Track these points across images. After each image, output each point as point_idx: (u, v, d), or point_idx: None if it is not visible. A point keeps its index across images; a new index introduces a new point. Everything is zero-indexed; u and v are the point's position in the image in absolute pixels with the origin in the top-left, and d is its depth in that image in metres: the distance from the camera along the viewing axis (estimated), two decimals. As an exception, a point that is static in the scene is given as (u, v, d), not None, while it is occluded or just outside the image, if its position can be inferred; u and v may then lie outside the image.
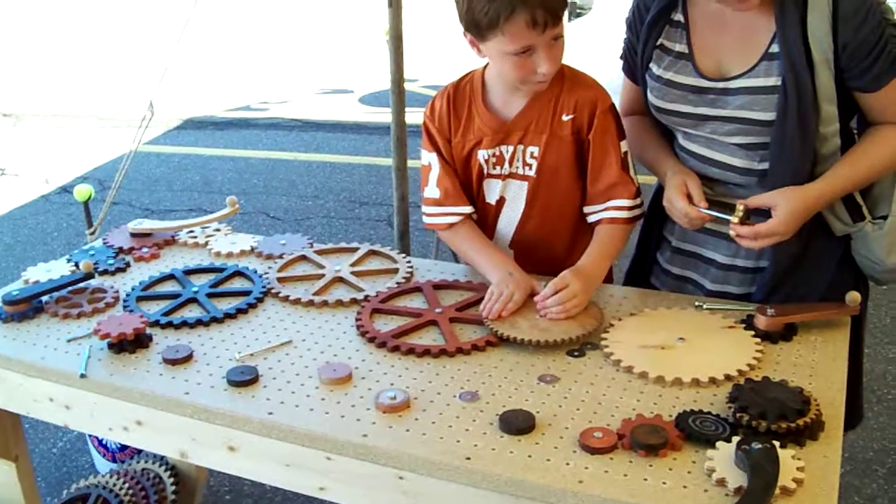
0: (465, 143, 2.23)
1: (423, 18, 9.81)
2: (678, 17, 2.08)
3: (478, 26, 1.97)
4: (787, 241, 1.98)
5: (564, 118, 2.13)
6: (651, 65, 2.11)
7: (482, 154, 2.21)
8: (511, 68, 2.03)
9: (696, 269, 2.24)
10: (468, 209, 2.26)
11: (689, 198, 2.03)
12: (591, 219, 2.20)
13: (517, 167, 2.20)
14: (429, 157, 2.28)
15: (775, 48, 1.92)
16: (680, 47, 2.07)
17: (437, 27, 10.71)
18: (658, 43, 2.10)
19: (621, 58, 2.26)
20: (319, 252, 2.45)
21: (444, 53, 9.71)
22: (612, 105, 2.16)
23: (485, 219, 2.31)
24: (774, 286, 2.09)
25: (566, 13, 2.01)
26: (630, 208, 2.16)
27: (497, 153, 2.20)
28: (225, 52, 10.81)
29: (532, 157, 2.17)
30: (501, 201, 2.26)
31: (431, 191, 2.28)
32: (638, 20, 2.15)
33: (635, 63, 2.18)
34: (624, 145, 2.15)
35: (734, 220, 1.93)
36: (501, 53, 2.00)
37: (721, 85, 2.00)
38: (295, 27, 12.17)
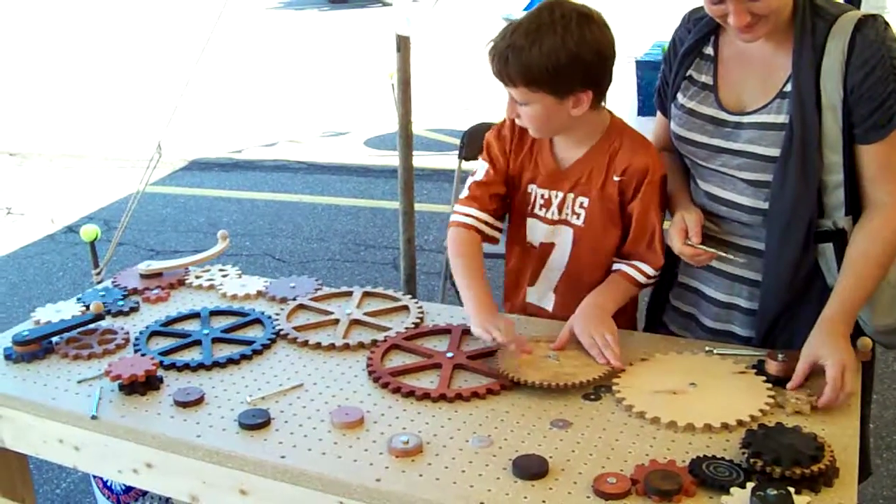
0: (522, 168, 2.27)
1: (428, 62, 9.89)
2: (708, 50, 2.12)
3: None
4: (778, 286, 2.03)
5: (615, 178, 2.16)
6: (678, 94, 2.15)
7: (534, 189, 2.26)
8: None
9: (698, 306, 2.25)
10: (484, 215, 2.26)
11: (687, 233, 2.07)
12: (614, 267, 2.23)
13: (567, 214, 2.23)
14: (479, 166, 2.32)
15: (789, 87, 1.95)
16: (706, 79, 2.11)
17: (443, 71, 10.80)
18: (687, 74, 2.14)
19: (655, 92, 2.30)
20: (326, 296, 2.45)
21: (450, 97, 9.79)
22: (663, 176, 2.17)
23: (526, 259, 2.33)
24: (770, 331, 2.10)
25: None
26: (650, 276, 2.20)
27: (546, 196, 2.24)
28: (230, 93, 10.88)
29: (581, 206, 2.20)
30: (550, 246, 2.28)
31: (464, 192, 2.32)
32: (672, 53, 2.20)
33: (666, 94, 2.22)
34: (662, 218, 2.19)
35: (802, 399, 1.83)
36: None
37: (737, 119, 2.03)
38: (300, 70, 12.26)
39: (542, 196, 2.24)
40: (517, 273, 2.36)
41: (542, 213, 2.26)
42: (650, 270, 2.19)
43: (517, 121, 2.15)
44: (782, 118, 1.96)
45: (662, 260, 2.19)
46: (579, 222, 2.21)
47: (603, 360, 1.98)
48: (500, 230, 2.32)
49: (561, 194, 2.22)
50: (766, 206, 2.03)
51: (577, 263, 2.25)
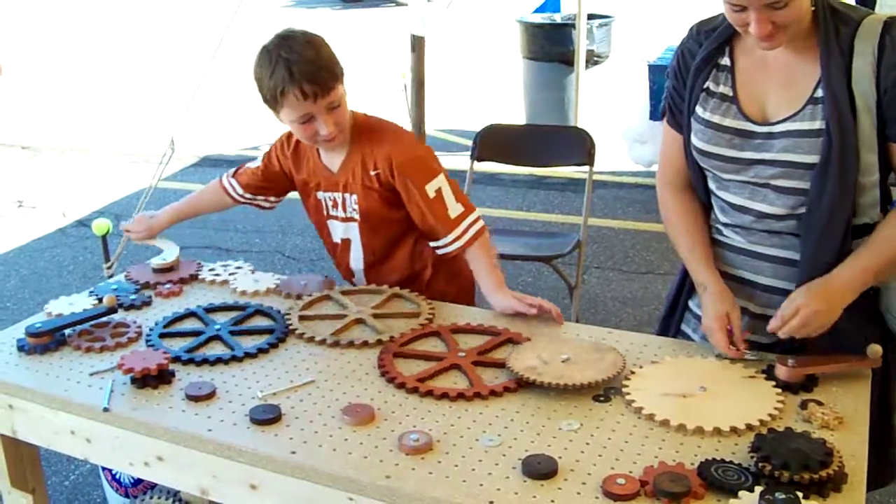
0: (308, 179, 2.58)
1: (439, 63, 9.89)
2: (724, 60, 2.10)
3: (267, 101, 2.37)
4: None
5: (372, 173, 2.44)
6: (697, 107, 2.12)
7: (322, 195, 2.56)
8: (299, 132, 2.40)
9: None
10: (228, 184, 2.79)
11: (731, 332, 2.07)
12: (441, 251, 2.48)
13: (350, 212, 2.53)
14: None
15: (820, 93, 1.94)
16: (724, 89, 2.08)
17: (454, 72, 10.81)
18: (704, 86, 2.11)
19: (663, 108, 2.27)
20: (343, 293, 2.47)
21: (461, 98, 9.80)
22: (411, 157, 2.44)
23: (336, 257, 2.66)
24: (793, 338, 2.08)
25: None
26: (465, 230, 2.44)
27: (333, 198, 2.54)
28: (243, 90, 10.89)
29: (356, 202, 2.50)
30: (348, 241, 2.59)
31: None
32: (683, 66, 2.17)
33: (679, 110, 2.19)
34: (436, 182, 2.44)
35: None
36: (289, 121, 2.37)
37: (766, 129, 2.01)
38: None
39: (330, 199, 2.55)
40: (342, 270, 2.68)
41: (335, 213, 2.56)
42: (461, 228, 2.43)
43: (328, 136, 2.35)
44: (818, 124, 1.94)
45: (460, 209, 2.44)
46: (358, 216, 2.52)
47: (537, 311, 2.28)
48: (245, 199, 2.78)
49: (340, 195, 2.52)
50: (797, 213, 2.02)
51: (372, 250, 2.57)
